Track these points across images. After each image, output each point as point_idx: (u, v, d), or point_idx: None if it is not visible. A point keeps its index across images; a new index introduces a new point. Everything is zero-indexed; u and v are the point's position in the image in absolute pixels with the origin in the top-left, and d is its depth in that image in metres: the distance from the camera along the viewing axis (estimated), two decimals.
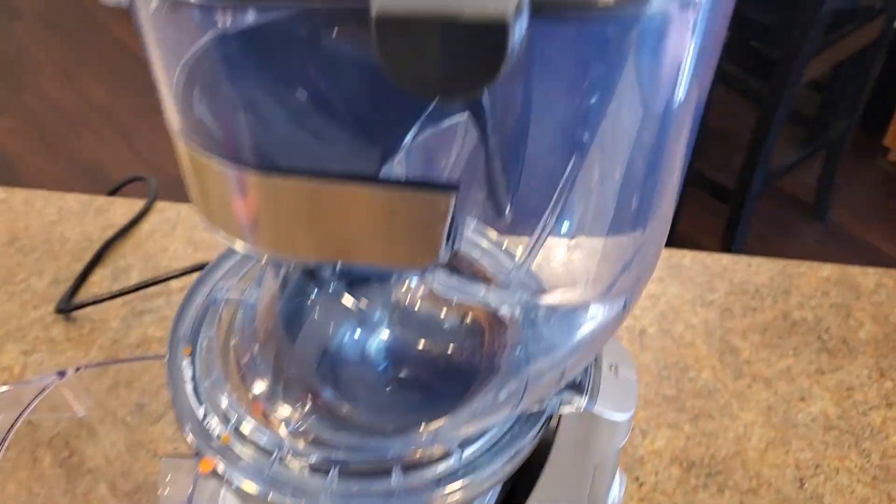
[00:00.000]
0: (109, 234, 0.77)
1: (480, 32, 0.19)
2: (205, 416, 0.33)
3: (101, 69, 2.37)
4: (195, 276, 0.72)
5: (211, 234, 0.28)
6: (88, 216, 0.80)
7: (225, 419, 0.33)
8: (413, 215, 0.25)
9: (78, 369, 0.50)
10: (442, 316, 0.30)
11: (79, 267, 0.74)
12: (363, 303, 0.30)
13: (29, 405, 0.48)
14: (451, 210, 0.24)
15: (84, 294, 0.72)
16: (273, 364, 0.33)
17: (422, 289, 0.29)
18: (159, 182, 0.82)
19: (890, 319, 0.71)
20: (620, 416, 0.35)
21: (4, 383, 0.55)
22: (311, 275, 0.32)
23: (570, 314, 0.29)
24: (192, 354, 0.35)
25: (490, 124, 0.23)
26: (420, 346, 0.30)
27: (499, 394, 0.30)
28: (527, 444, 0.33)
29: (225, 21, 0.22)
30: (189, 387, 0.34)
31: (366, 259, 0.26)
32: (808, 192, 1.89)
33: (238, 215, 0.26)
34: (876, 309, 0.72)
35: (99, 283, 0.73)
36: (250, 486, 0.31)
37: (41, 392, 0.48)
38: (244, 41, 0.23)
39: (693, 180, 1.68)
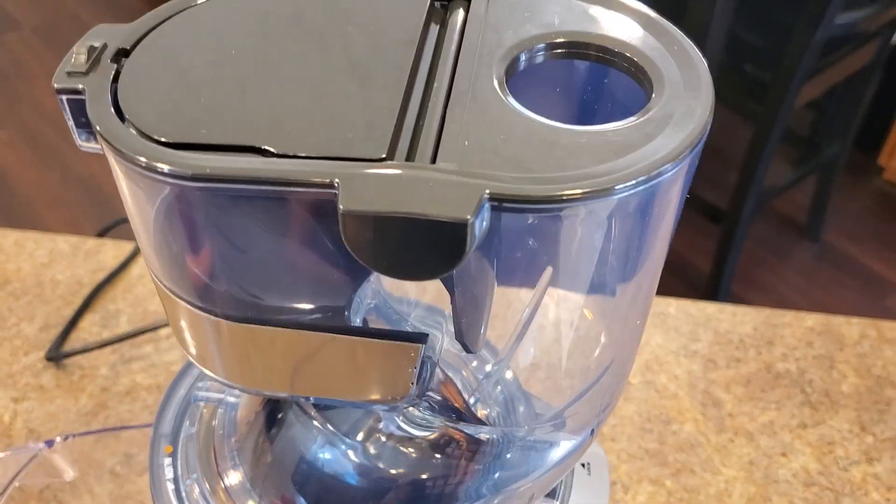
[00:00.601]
0: (99, 276, 0.78)
1: (443, 231, 0.20)
2: None
3: None
4: None
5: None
6: (79, 258, 0.81)
7: None
8: (384, 362, 0.25)
9: (66, 438, 0.50)
10: (415, 439, 0.31)
11: (69, 311, 0.75)
12: (338, 426, 0.31)
13: (17, 475, 0.48)
14: (420, 356, 0.25)
15: (74, 339, 0.73)
16: (251, 470, 0.33)
17: (396, 416, 0.30)
18: None
19: (872, 372, 0.72)
20: None
21: None
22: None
23: (539, 440, 0.30)
24: (174, 454, 0.36)
25: (458, 289, 0.23)
26: (394, 468, 0.31)
27: None
28: None
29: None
30: (170, 487, 0.35)
31: (338, 396, 0.27)
32: (802, 212, 1.90)
33: (210, 352, 0.27)
34: (859, 361, 0.72)
35: (89, 328, 0.74)
36: None
37: (29, 461, 0.49)
38: (211, 201, 0.23)
39: (686, 200, 1.69)
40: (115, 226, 0.86)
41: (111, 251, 0.81)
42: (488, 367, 0.32)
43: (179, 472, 0.35)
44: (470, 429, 0.30)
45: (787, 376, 0.71)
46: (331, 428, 0.31)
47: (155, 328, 0.72)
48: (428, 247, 0.20)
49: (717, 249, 1.70)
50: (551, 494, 0.34)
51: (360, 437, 0.31)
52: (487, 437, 0.30)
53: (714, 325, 0.76)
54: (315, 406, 0.31)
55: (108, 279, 0.78)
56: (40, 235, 0.83)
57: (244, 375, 0.27)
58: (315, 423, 0.31)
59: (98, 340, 0.72)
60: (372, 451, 0.31)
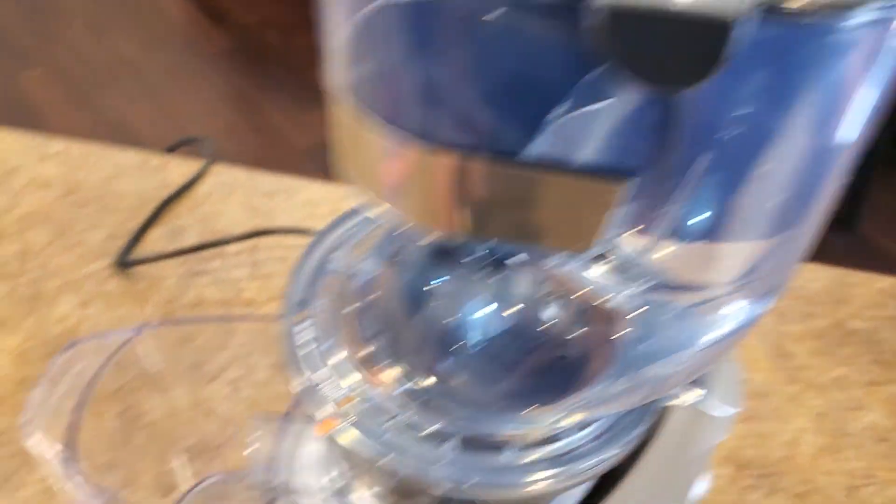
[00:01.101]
0: (165, 193, 0.77)
1: (703, 30, 0.19)
2: (319, 380, 0.33)
3: (131, 25, 2.36)
4: (253, 241, 0.73)
5: (357, 192, 0.28)
6: (145, 174, 0.80)
7: (339, 384, 0.33)
8: (578, 202, 0.25)
9: (153, 326, 0.50)
10: (568, 302, 0.30)
11: (134, 224, 0.74)
12: (490, 281, 0.30)
13: (111, 358, 0.48)
14: (618, 200, 0.24)
15: (140, 252, 0.72)
16: (390, 331, 0.33)
17: (554, 273, 0.29)
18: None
19: None
20: (726, 413, 0.35)
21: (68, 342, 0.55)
22: (436, 248, 0.32)
23: (707, 312, 0.29)
24: (307, 320, 0.35)
25: (685, 118, 0.22)
26: (542, 331, 0.30)
27: (617, 386, 0.30)
28: (635, 437, 0.33)
29: None
30: (303, 352, 0.34)
31: (514, 240, 0.26)
32: (838, 203, 1.88)
33: (391, 183, 0.26)
34: None
35: (155, 241, 0.74)
36: (364, 450, 0.32)
37: (122, 345, 0.49)
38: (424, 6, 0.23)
39: None
40: (182, 144, 0.85)
41: (178, 168, 0.80)
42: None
43: (313, 338, 0.35)
44: (626, 291, 0.29)
45: (858, 334, 0.71)
46: (484, 281, 0.30)
47: (226, 242, 0.72)
48: (682, 51, 0.20)
49: None
50: (692, 384, 0.34)
51: (511, 292, 0.30)
52: (646, 302, 0.29)
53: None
54: (466, 252, 0.30)
55: (176, 195, 0.77)
56: (105, 149, 0.82)
57: (420, 209, 0.26)
58: (467, 276, 0.30)
59: (166, 251, 0.71)
60: (521, 307, 0.30)
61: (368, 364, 0.33)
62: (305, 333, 0.35)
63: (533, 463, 0.32)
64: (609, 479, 0.38)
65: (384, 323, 0.33)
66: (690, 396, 0.34)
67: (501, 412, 0.32)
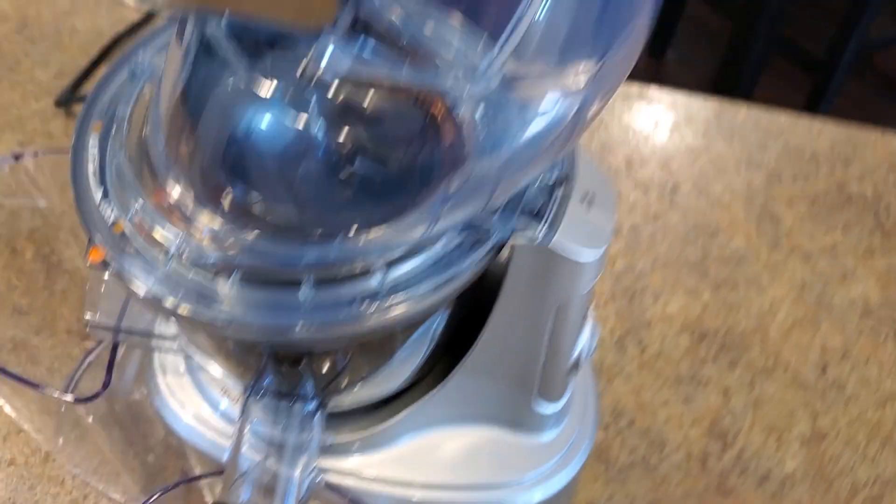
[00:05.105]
0: (121, 28, 0.72)
1: None
2: (102, 197, 0.29)
3: None
4: None
5: None
6: (101, 9, 0.75)
7: (123, 207, 0.29)
8: None
9: (36, 154, 0.46)
10: (364, 99, 0.24)
11: (85, 61, 0.70)
12: (269, 83, 0.25)
13: None
14: None
15: (87, 89, 0.68)
16: (177, 149, 0.28)
17: (340, 64, 0.24)
18: None
19: None
20: (583, 256, 0.29)
21: None
22: (210, 48, 0.26)
23: (519, 105, 0.23)
24: (103, 133, 0.30)
25: None
26: (337, 136, 0.25)
27: (425, 195, 0.25)
28: (464, 269, 0.28)
29: None
30: (91, 167, 0.30)
31: (250, 10, 0.21)
32: None
33: None
34: None
35: None
36: (140, 285, 0.27)
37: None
38: None
39: (779, 48, 1.55)
40: None
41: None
42: None
43: (105, 153, 0.30)
44: (423, 80, 0.23)
45: (860, 199, 0.63)
46: (263, 81, 0.24)
47: None
48: None
49: (806, 101, 1.57)
50: (536, 217, 0.28)
51: (298, 90, 0.25)
52: (453, 93, 0.23)
53: (787, 137, 0.67)
54: (243, 49, 0.25)
55: (131, 31, 0.72)
56: None
57: None
58: (246, 79, 0.24)
59: None
60: (314, 108, 0.25)
61: (156, 185, 0.28)
62: (98, 147, 0.30)
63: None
64: (468, 333, 0.33)
65: (171, 138, 0.28)
66: (534, 232, 0.28)
67: (303, 241, 0.27)
